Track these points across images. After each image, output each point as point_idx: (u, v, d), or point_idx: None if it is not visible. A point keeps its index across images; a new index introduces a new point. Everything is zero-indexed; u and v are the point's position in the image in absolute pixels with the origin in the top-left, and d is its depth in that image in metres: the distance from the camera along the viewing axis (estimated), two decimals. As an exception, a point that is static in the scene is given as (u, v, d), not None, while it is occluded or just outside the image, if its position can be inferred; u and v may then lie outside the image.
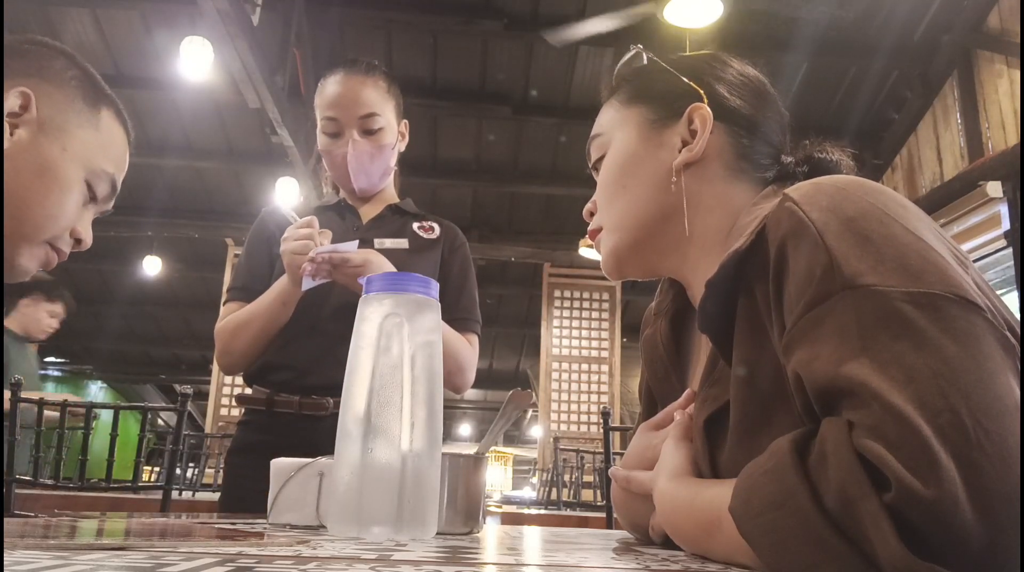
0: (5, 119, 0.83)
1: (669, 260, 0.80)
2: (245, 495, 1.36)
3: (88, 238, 0.92)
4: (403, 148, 1.56)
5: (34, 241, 0.87)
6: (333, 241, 1.33)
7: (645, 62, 0.85)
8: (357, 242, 1.34)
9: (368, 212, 1.53)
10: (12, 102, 0.84)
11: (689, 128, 0.78)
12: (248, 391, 1.47)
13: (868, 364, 0.48)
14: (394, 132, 1.49)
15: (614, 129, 0.84)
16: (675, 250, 0.79)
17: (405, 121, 1.54)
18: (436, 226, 1.55)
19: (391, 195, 1.58)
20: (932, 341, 0.47)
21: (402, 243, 1.47)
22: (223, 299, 1.48)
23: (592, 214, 0.86)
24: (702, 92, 0.78)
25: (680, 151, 0.78)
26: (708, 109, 0.77)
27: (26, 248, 0.87)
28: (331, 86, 1.45)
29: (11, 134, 0.84)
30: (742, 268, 0.62)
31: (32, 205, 0.85)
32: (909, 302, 0.49)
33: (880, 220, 0.54)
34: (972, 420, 0.44)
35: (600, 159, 0.85)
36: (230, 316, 1.42)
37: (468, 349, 1.47)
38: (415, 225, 1.53)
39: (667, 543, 0.71)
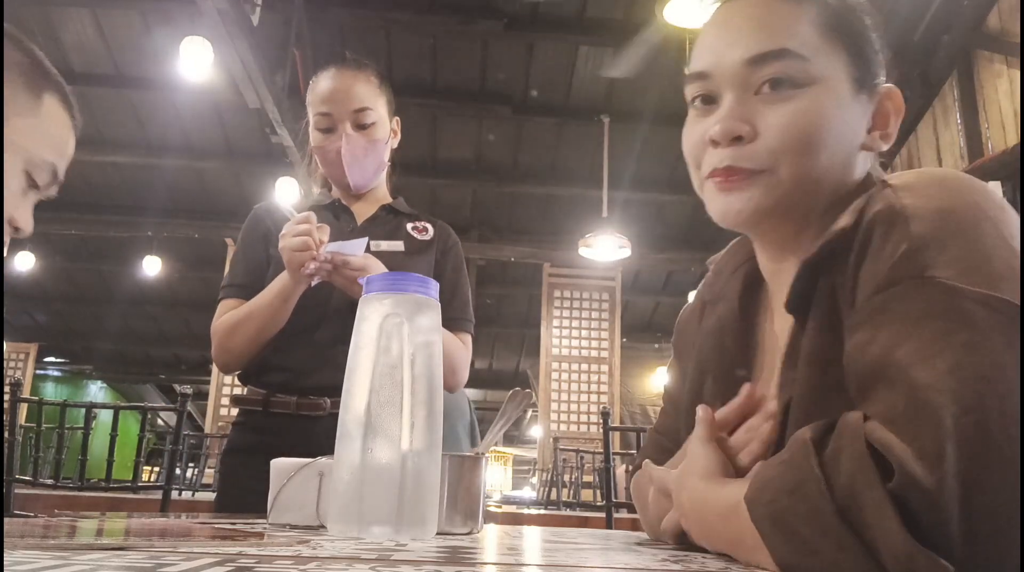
0: None
1: (778, 226, 0.70)
2: (241, 495, 1.35)
3: (27, 226, 0.90)
4: (395, 145, 1.56)
5: None
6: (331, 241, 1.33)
7: None
8: (367, 239, 1.34)
9: (362, 212, 1.53)
10: None
11: (876, 108, 0.70)
12: (244, 391, 1.47)
13: (915, 352, 0.48)
14: (387, 127, 1.49)
15: (819, 62, 0.67)
16: (791, 222, 0.69)
17: (397, 118, 1.55)
18: (429, 226, 1.55)
19: (384, 194, 1.58)
20: (988, 345, 0.47)
21: (398, 246, 1.47)
22: (219, 296, 1.47)
23: (740, 139, 0.67)
24: (884, 73, 0.71)
25: (868, 132, 0.69)
26: (901, 96, 0.70)
27: None
28: (323, 82, 1.46)
29: None
30: (833, 250, 0.60)
31: None
32: (979, 303, 0.49)
33: (975, 218, 0.53)
34: (999, 425, 0.44)
35: (783, 81, 0.67)
36: (228, 313, 1.42)
37: (462, 349, 1.47)
38: (409, 226, 1.53)
39: (679, 542, 0.71)
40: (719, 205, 0.69)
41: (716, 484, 0.63)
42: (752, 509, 0.51)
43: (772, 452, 0.63)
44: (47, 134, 0.91)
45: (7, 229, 0.89)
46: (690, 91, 0.73)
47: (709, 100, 0.71)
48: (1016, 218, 0.56)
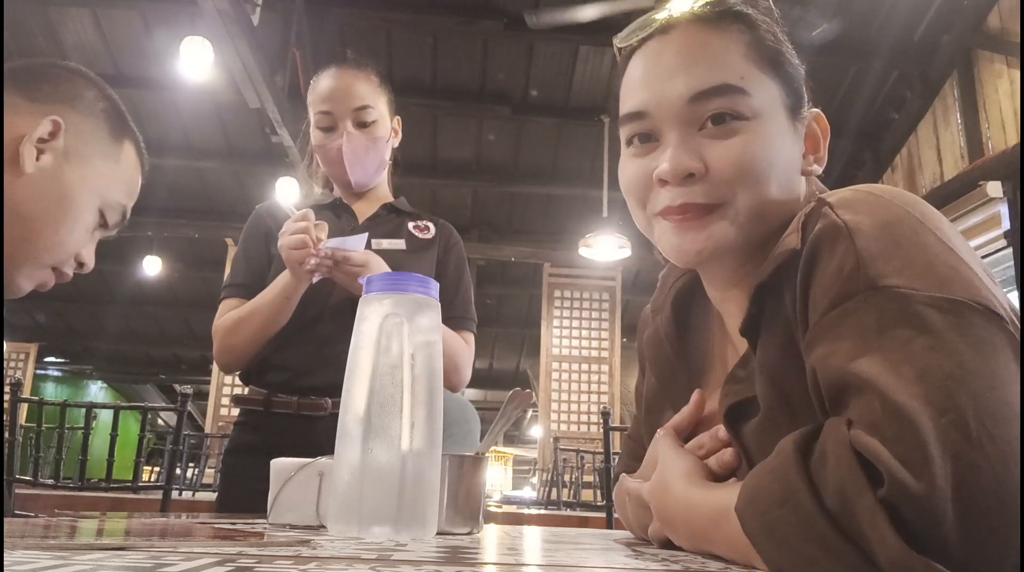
0: (34, 143, 0.86)
1: (728, 258, 0.70)
2: (243, 495, 1.36)
3: (91, 262, 0.96)
4: (396, 144, 1.56)
5: (39, 264, 0.90)
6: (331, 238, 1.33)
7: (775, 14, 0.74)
8: (367, 235, 1.34)
9: (363, 211, 1.54)
10: (43, 128, 0.87)
11: (807, 133, 0.72)
12: (245, 391, 1.47)
13: (880, 361, 0.48)
14: (387, 126, 1.50)
15: (760, 96, 0.68)
16: (743, 252, 0.69)
17: (398, 118, 1.55)
18: (431, 225, 1.56)
19: (385, 193, 1.59)
20: (949, 344, 0.48)
21: (399, 244, 1.47)
22: (220, 296, 1.48)
23: (692, 176, 0.66)
24: (808, 94, 0.73)
25: (803, 157, 0.71)
26: (825, 119, 0.73)
27: (28, 269, 0.90)
28: (324, 81, 1.47)
29: (37, 159, 0.87)
30: (781, 270, 0.61)
31: (44, 230, 0.89)
32: (932, 306, 0.50)
33: (913, 228, 0.54)
34: (976, 422, 0.44)
35: (726, 116, 0.66)
36: (229, 313, 1.42)
37: (464, 348, 1.47)
38: (410, 225, 1.54)
39: (666, 546, 0.71)
40: (675, 243, 0.68)
41: (700, 488, 0.64)
42: (744, 520, 0.51)
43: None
44: (123, 179, 0.97)
45: (72, 264, 0.94)
46: (626, 131, 0.72)
47: (647, 138, 0.70)
48: (953, 226, 0.57)
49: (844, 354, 0.51)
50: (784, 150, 0.68)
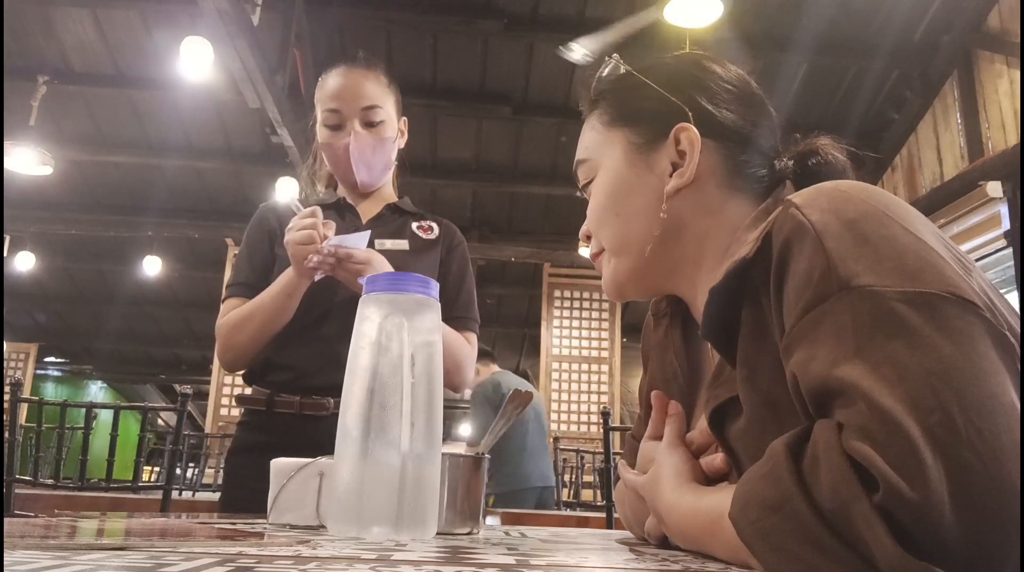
0: None
1: (670, 281, 0.79)
2: (245, 495, 1.36)
3: None
4: (403, 145, 1.56)
5: None
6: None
7: (622, 72, 0.82)
8: (369, 233, 1.34)
9: (367, 211, 1.54)
10: None
11: (677, 149, 0.75)
12: (248, 391, 1.47)
13: (861, 365, 0.48)
14: (394, 126, 1.50)
15: (600, 154, 0.81)
16: (676, 271, 0.77)
17: (404, 118, 1.55)
18: (435, 226, 1.56)
19: (389, 194, 1.59)
20: (926, 340, 0.47)
21: (402, 244, 1.47)
22: (223, 295, 1.48)
23: (588, 237, 0.84)
24: (687, 109, 0.75)
25: (671, 176, 0.75)
26: (695, 130, 0.74)
27: None
28: (333, 79, 1.47)
29: None
30: (748, 275, 0.61)
31: None
32: (905, 302, 0.49)
33: (880, 221, 0.54)
34: (964, 418, 0.44)
35: (589, 183, 0.82)
36: (232, 311, 1.42)
37: (466, 348, 1.47)
38: (414, 225, 1.54)
39: (663, 544, 0.71)
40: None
41: (691, 493, 0.64)
42: (738, 527, 0.51)
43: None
44: None
45: None
46: None
47: None
48: (920, 215, 0.57)
49: (823, 359, 0.50)
50: (633, 185, 0.77)
